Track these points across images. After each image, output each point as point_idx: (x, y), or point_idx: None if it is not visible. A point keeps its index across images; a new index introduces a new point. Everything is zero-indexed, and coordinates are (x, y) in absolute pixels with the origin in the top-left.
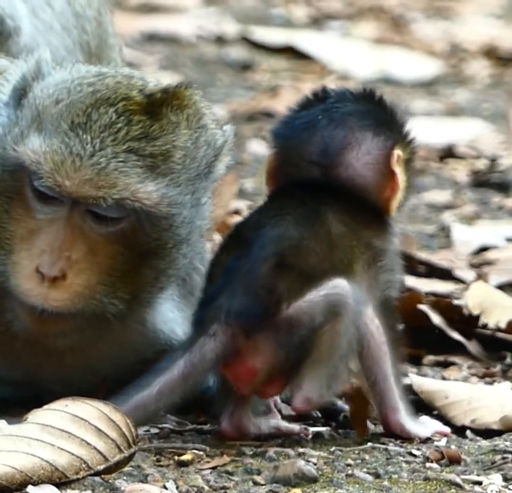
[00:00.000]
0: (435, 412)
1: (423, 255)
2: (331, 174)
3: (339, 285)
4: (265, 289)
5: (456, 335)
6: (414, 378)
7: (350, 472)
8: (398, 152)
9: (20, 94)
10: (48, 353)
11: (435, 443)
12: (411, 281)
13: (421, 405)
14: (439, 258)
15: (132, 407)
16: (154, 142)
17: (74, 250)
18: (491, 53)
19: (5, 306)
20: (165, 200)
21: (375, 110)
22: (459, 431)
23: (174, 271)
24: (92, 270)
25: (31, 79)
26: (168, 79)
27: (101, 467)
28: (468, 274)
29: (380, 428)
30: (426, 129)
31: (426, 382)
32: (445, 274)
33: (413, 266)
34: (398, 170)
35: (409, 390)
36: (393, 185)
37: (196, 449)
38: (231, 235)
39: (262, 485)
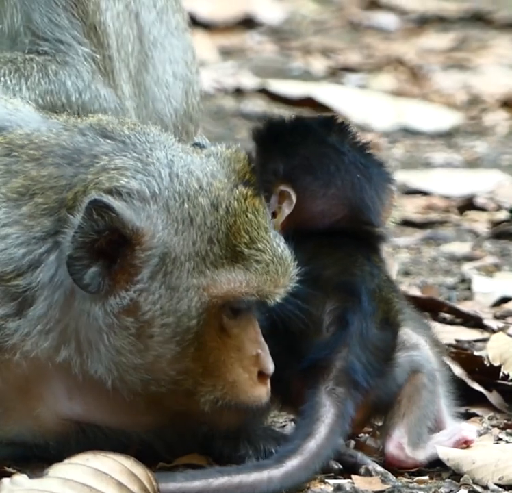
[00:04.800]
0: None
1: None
2: (363, 221)
3: (418, 344)
4: (382, 351)
5: (477, 387)
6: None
7: None
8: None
9: (94, 243)
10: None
11: None
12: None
13: (449, 470)
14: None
15: (308, 457)
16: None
17: None
18: (509, 104)
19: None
20: None
21: (363, 150)
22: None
23: None
24: None
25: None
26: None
27: None
28: (492, 324)
29: (401, 480)
30: (446, 181)
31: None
32: (470, 322)
33: (439, 313)
34: None
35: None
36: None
37: None
38: (319, 282)
39: None
